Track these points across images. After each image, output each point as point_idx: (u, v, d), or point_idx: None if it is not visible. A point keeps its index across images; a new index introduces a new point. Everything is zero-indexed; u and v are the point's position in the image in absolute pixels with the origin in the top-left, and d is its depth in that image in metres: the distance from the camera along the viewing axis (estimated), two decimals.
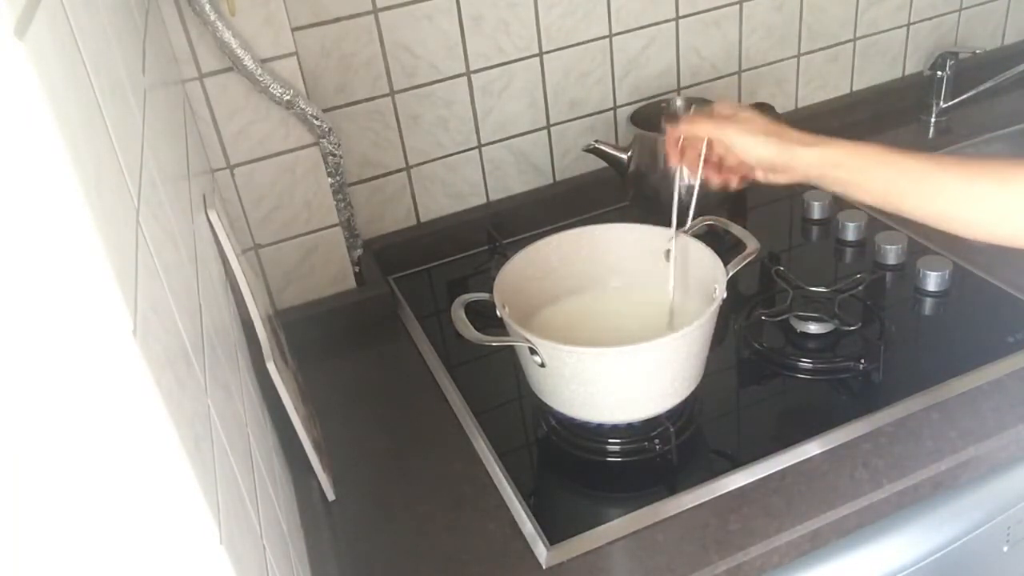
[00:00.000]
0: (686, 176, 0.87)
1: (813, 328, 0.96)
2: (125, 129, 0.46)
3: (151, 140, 0.55)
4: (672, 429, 0.85)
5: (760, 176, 0.82)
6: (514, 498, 0.82)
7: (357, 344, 1.08)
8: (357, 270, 1.12)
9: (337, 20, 1.06)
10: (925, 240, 1.09)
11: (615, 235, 0.95)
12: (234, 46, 0.90)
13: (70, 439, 0.33)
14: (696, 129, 0.83)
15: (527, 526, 0.80)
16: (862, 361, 0.92)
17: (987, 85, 1.40)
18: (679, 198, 0.88)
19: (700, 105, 1.19)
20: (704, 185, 0.85)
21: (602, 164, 1.18)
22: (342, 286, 1.10)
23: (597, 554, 0.76)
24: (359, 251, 1.14)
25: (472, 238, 1.22)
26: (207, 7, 0.87)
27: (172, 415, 0.37)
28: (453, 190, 1.23)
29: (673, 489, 0.81)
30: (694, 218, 0.89)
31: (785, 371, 0.94)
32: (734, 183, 0.85)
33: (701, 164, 0.83)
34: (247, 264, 0.92)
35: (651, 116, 1.18)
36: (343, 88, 1.10)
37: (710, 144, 0.82)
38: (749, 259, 0.86)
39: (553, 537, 0.78)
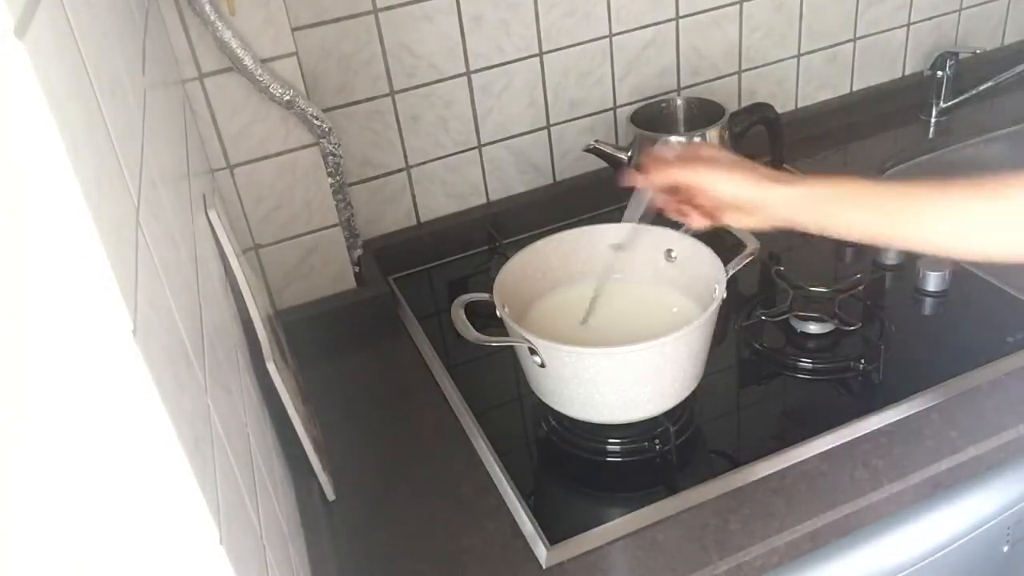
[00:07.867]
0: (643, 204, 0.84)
1: (813, 328, 0.96)
2: (125, 129, 0.46)
3: (151, 140, 0.55)
4: (672, 429, 0.85)
5: (731, 219, 0.77)
6: (514, 498, 0.82)
7: (357, 344, 1.08)
8: (357, 270, 1.12)
9: (337, 20, 1.06)
10: None
11: (615, 235, 0.95)
12: (234, 46, 0.90)
13: (70, 439, 0.33)
14: (667, 176, 0.78)
15: (527, 526, 0.80)
16: (862, 361, 0.92)
17: (987, 85, 1.40)
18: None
19: (700, 105, 1.19)
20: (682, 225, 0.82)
21: (602, 164, 1.18)
22: (342, 286, 1.10)
23: (597, 554, 0.76)
24: (359, 251, 1.14)
25: (472, 238, 1.22)
26: (207, 7, 0.87)
27: (172, 415, 0.37)
28: (453, 190, 1.23)
29: (673, 489, 0.81)
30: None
31: (785, 371, 0.94)
32: (704, 224, 0.80)
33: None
34: (247, 264, 0.92)
35: (651, 116, 1.18)
36: (343, 88, 1.10)
37: (683, 187, 0.77)
38: (749, 259, 0.86)
39: (553, 537, 0.78)
